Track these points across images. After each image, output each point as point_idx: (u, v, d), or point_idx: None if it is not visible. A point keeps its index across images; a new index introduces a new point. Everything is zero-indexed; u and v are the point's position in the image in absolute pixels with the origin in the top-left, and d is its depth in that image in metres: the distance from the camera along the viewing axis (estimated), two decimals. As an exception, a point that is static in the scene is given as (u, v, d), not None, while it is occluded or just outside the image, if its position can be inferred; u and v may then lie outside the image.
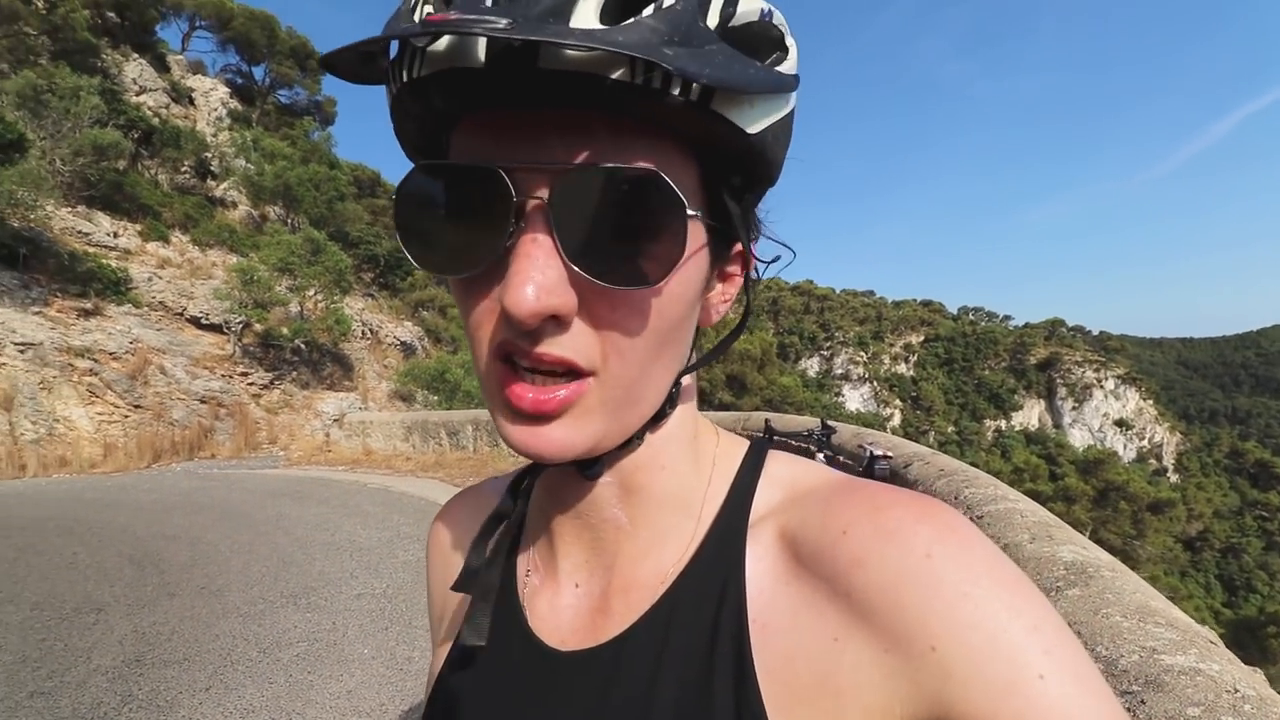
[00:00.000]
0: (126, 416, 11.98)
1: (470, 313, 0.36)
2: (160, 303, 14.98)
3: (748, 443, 0.48)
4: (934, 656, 0.32)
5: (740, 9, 0.33)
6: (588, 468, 0.41)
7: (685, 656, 0.39)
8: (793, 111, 0.37)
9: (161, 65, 25.30)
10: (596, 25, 0.29)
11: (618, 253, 0.32)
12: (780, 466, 0.45)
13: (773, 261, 0.44)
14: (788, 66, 0.35)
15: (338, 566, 5.48)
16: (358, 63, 0.34)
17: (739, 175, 0.37)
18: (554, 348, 0.33)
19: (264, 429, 14.46)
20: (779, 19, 0.35)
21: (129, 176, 17.82)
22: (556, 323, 0.33)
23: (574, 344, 0.33)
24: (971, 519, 2.24)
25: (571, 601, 0.45)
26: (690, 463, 0.44)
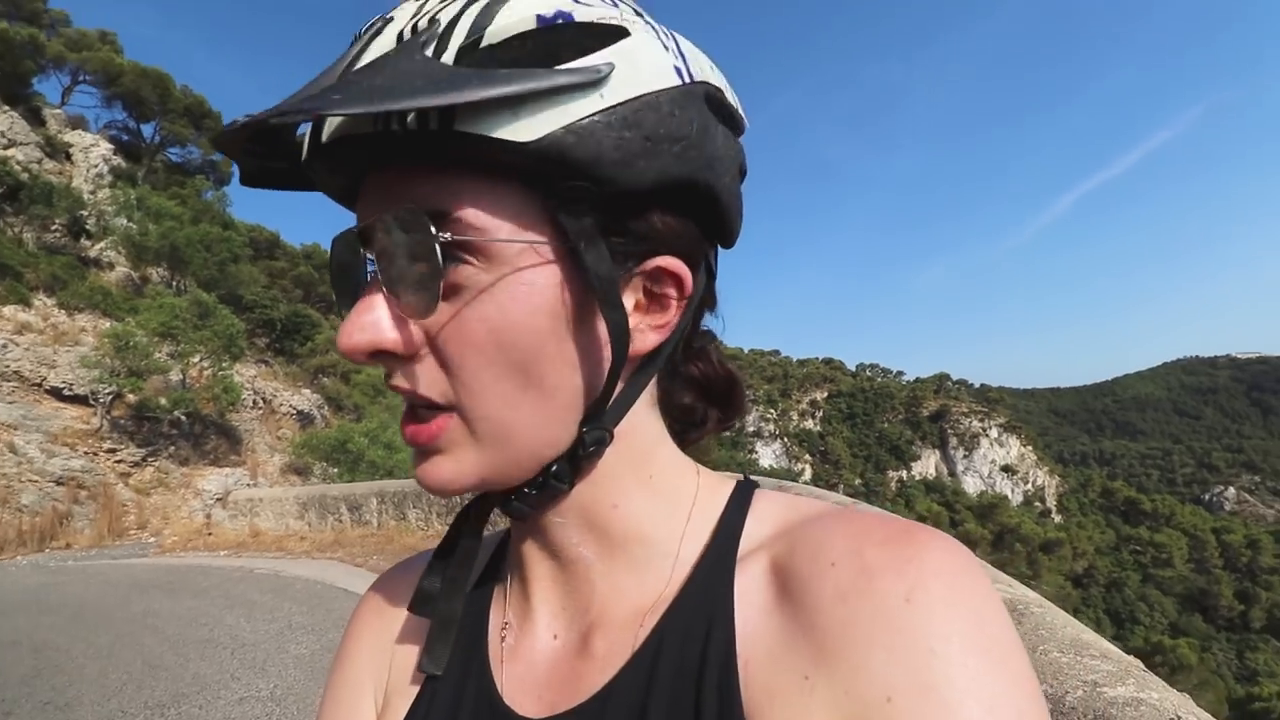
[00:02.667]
0: (-40, 504, 10.35)
1: None
2: (15, 372, 13.33)
3: (734, 481, 0.46)
4: (889, 708, 0.30)
5: (495, 27, 0.32)
6: (504, 504, 0.41)
7: (671, 699, 0.36)
8: (631, 103, 0.33)
9: (36, 118, 23.49)
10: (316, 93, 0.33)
11: (410, 288, 0.35)
12: (771, 502, 0.43)
13: (707, 292, 0.43)
14: (587, 62, 0.32)
15: (216, 667, 4.83)
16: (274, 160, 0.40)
17: (568, 190, 0.34)
18: (400, 381, 0.37)
19: (133, 512, 12.90)
20: (586, 15, 0.33)
21: (-16, 234, 16.09)
22: (396, 359, 0.36)
23: (419, 379, 0.36)
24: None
25: (549, 656, 0.43)
26: (648, 500, 0.42)
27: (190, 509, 13.51)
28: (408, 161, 0.35)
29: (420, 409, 0.37)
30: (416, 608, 0.44)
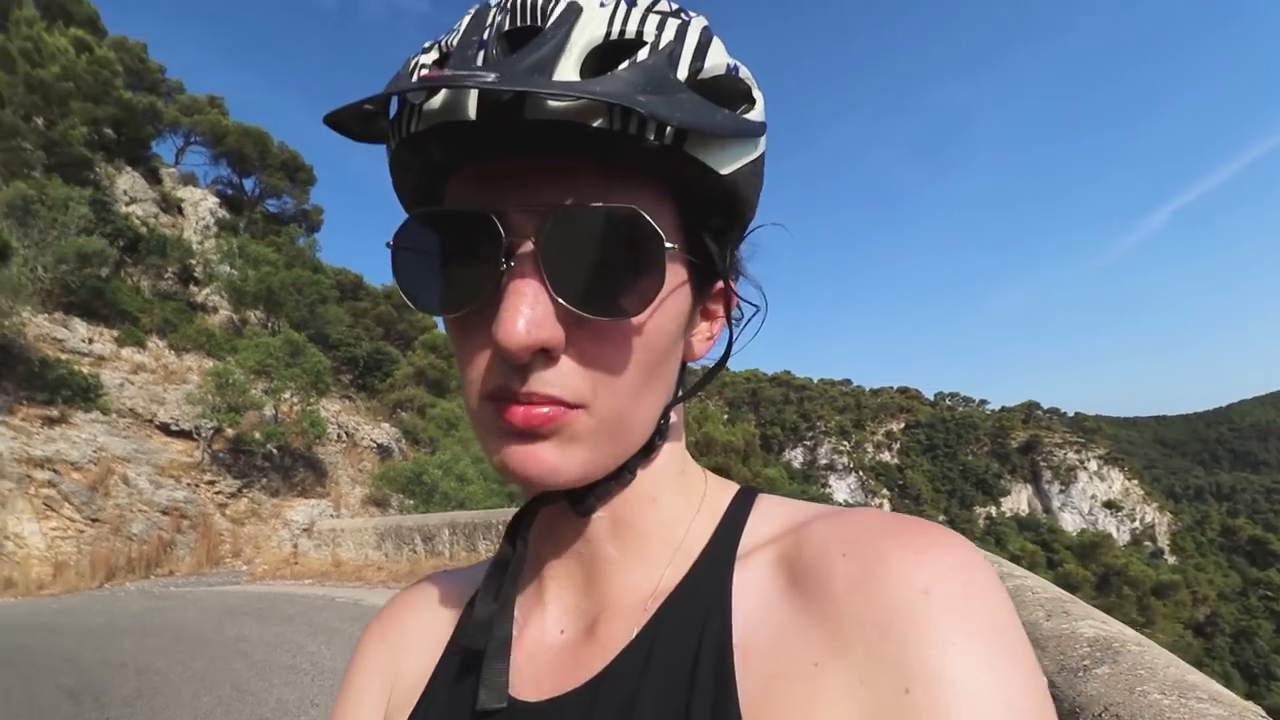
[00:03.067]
0: (82, 531, 11.30)
1: (464, 352, 0.38)
2: (130, 409, 14.58)
3: (738, 486, 0.47)
4: (907, 700, 0.30)
5: (708, 64, 0.36)
6: (580, 501, 0.41)
7: (665, 684, 0.37)
8: (763, 156, 0.39)
9: (154, 177, 26.10)
10: (576, 79, 0.33)
11: (601, 287, 0.35)
12: (775, 504, 0.44)
13: (755, 313, 0.46)
14: (755, 114, 0.38)
15: (298, 694, 4.98)
16: (359, 121, 0.37)
17: (716, 216, 0.39)
18: (542, 386, 0.35)
19: (228, 541, 13.72)
20: (745, 73, 0.38)
21: (111, 283, 17.86)
22: (546, 358, 0.35)
23: (562, 381, 0.35)
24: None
25: (553, 647, 0.43)
26: (679, 496, 0.44)
27: (279, 539, 14.24)
28: (596, 158, 0.35)
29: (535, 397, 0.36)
30: (475, 634, 0.42)
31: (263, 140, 30.56)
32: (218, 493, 14.57)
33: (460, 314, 0.37)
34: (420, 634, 0.50)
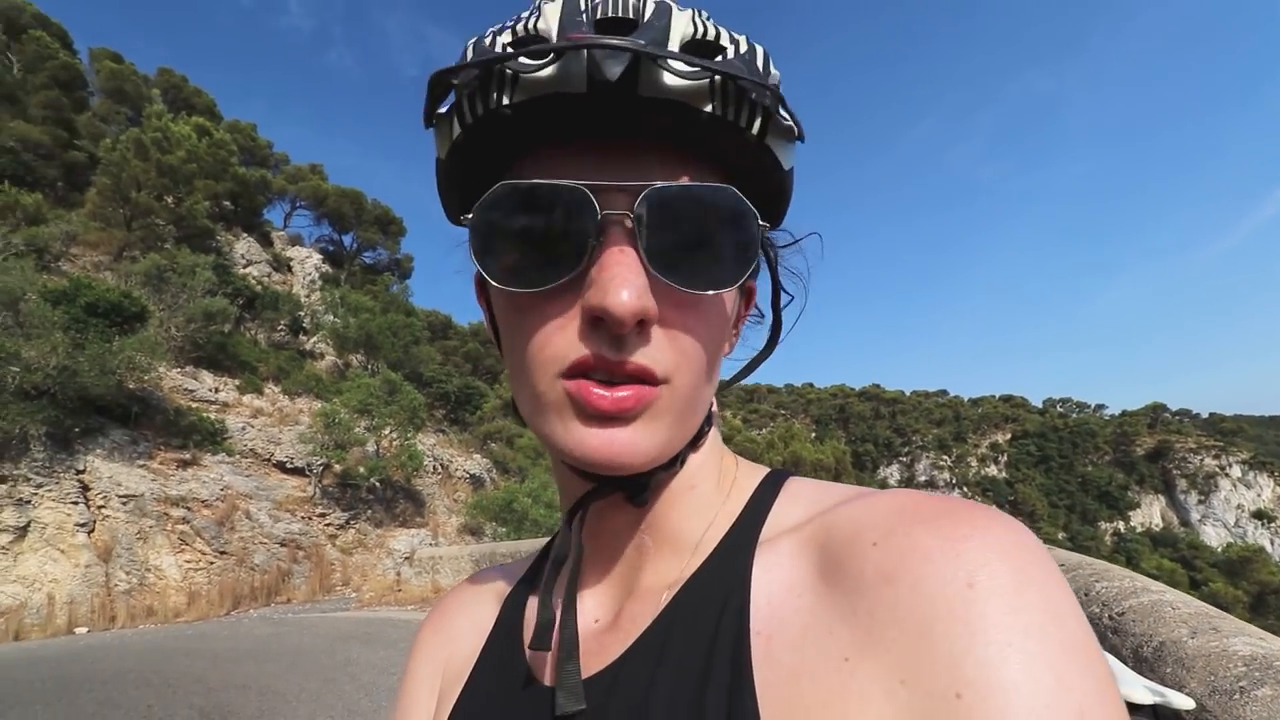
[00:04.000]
0: (212, 563, 12.33)
1: (540, 330, 0.36)
2: (251, 450, 15.89)
3: (767, 469, 0.47)
4: (959, 705, 0.27)
5: (774, 72, 0.38)
6: (638, 492, 0.41)
7: (680, 669, 0.36)
8: (794, 167, 0.42)
9: (266, 241, 28.78)
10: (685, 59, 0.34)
11: (695, 262, 0.35)
12: (803, 486, 0.44)
13: (790, 302, 0.47)
14: (797, 132, 0.40)
15: (402, 713, 5.16)
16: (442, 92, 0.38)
17: (767, 207, 0.41)
18: (639, 356, 0.35)
19: (338, 570, 14.55)
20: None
21: (232, 338, 19.71)
22: (639, 331, 0.35)
23: (654, 353, 0.35)
24: (1110, 617, 1.88)
25: (585, 634, 0.43)
26: (714, 483, 0.44)
27: (384, 567, 14.96)
28: (679, 146, 0.36)
29: (622, 380, 0.35)
30: (541, 638, 0.40)
31: (358, 199, 33.17)
32: (328, 525, 15.53)
33: (547, 288, 0.36)
34: (467, 626, 0.51)
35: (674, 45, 0.34)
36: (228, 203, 26.07)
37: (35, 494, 10.98)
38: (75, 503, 11.31)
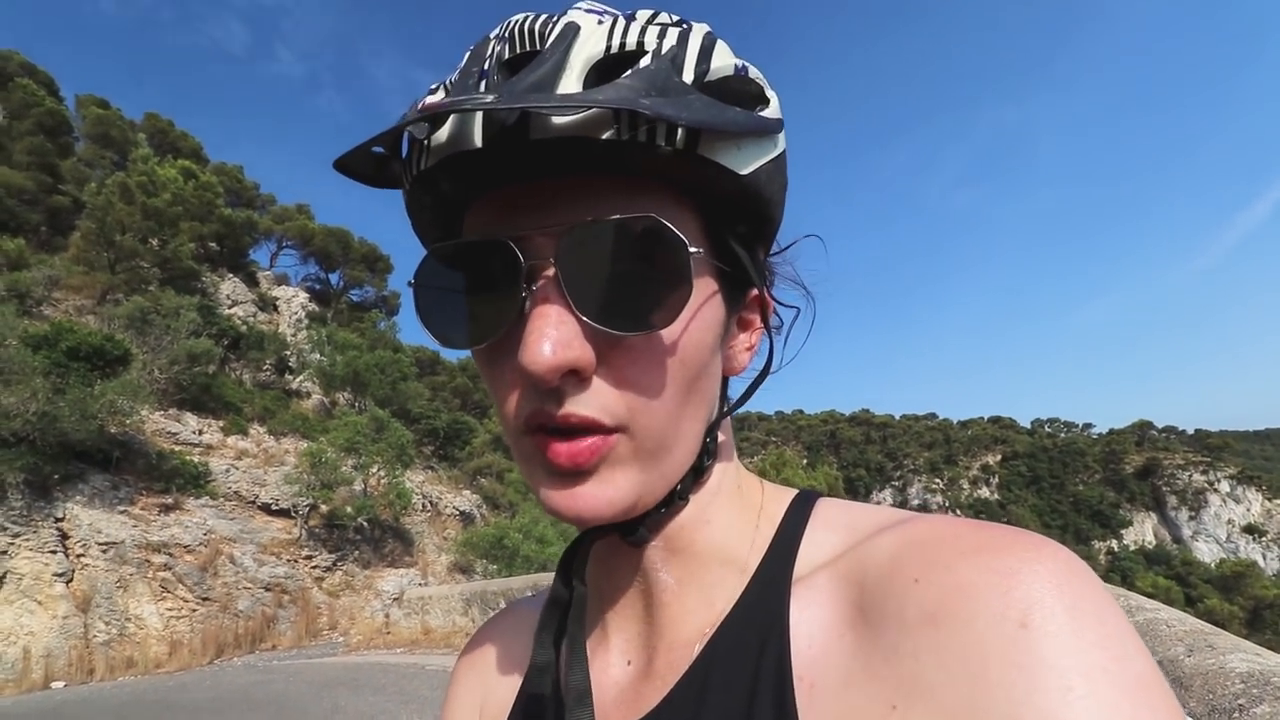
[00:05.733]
0: (194, 610, 11.98)
1: (495, 384, 0.37)
2: (235, 492, 15.59)
3: (795, 492, 0.44)
4: None
5: (714, 65, 0.34)
6: (630, 532, 0.39)
7: (723, 717, 0.35)
8: (783, 154, 0.39)
9: (252, 281, 28.72)
10: (579, 92, 0.32)
11: (627, 301, 0.33)
12: (834, 510, 0.41)
13: (797, 316, 0.44)
14: (770, 112, 0.37)
15: (392, 762, 4.98)
16: (370, 166, 0.38)
17: (741, 220, 0.38)
18: (579, 407, 0.33)
19: (325, 614, 14.19)
20: (755, 73, 0.37)
21: (217, 379, 19.49)
22: (578, 380, 0.33)
23: (598, 402, 0.34)
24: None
25: (619, 678, 0.42)
26: (735, 515, 0.42)
27: (372, 609, 14.60)
28: (610, 173, 0.34)
29: (575, 430, 0.34)
30: (535, 680, 0.41)
31: (344, 238, 33.32)
32: (314, 567, 15.19)
33: (485, 345, 0.36)
34: (503, 660, 0.50)
35: (575, 71, 0.32)
36: (213, 244, 26.06)
37: (12, 543, 10.67)
38: (53, 551, 11.01)
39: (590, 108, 0.30)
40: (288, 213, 34.15)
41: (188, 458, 15.03)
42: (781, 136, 0.38)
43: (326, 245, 32.88)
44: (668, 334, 0.34)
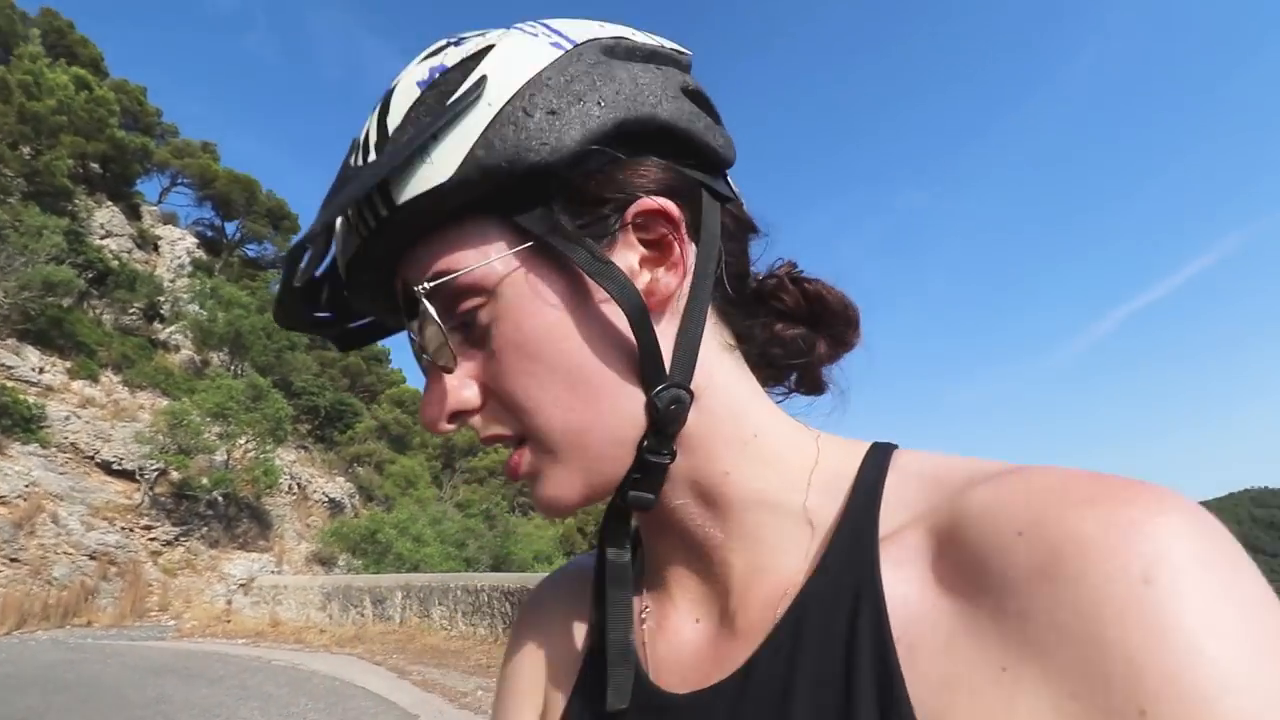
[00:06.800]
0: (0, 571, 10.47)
1: None
2: (71, 444, 13.87)
3: (868, 443, 0.41)
4: None
5: (391, 123, 0.36)
6: (626, 499, 0.39)
7: (818, 684, 0.33)
8: (507, 104, 0.34)
9: (134, 213, 25.90)
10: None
11: (437, 349, 0.37)
12: (916, 461, 0.38)
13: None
14: (466, 82, 0.35)
15: (225, 762, 4.57)
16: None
17: (517, 192, 0.35)
18: (486, 431, 0.39)
19: (156, 592, 12.82)
20: (456, 55, 0.37)
21: (72, 314, 17.33)
22: (474, 414, 0.38)
23: (489, 423, 0.38)
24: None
25: (692, 638, 0.41)
26: (759, 464, 0.39)
27: (213, 593, 13.35)
28: (402, 247, 0.38)
29: (512, 447, 0.39)
30: (593, 640, 0.43)
31: (251, 187, 30.81)
32: (153, 539, 13.72)
33: None
34: (565, 620, 0.49)
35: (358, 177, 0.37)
36: (96, 166, 23.34)
37: None
38: None
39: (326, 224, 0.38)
40: (190, 148, 31.15)
41: (21, 396, 13.23)
42: (493, 94, 0.34)
43: (228, 191, 30.21)
44: (504, 348, 0.36)
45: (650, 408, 0.36)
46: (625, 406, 0.37)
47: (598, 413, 0.37)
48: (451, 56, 0.36)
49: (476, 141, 0.34)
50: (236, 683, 6.88)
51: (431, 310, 0.36)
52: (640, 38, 0.40)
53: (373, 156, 0.36)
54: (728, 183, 0.42)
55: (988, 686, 0.28)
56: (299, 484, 20.32)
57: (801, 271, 0.45)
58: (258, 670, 7.59)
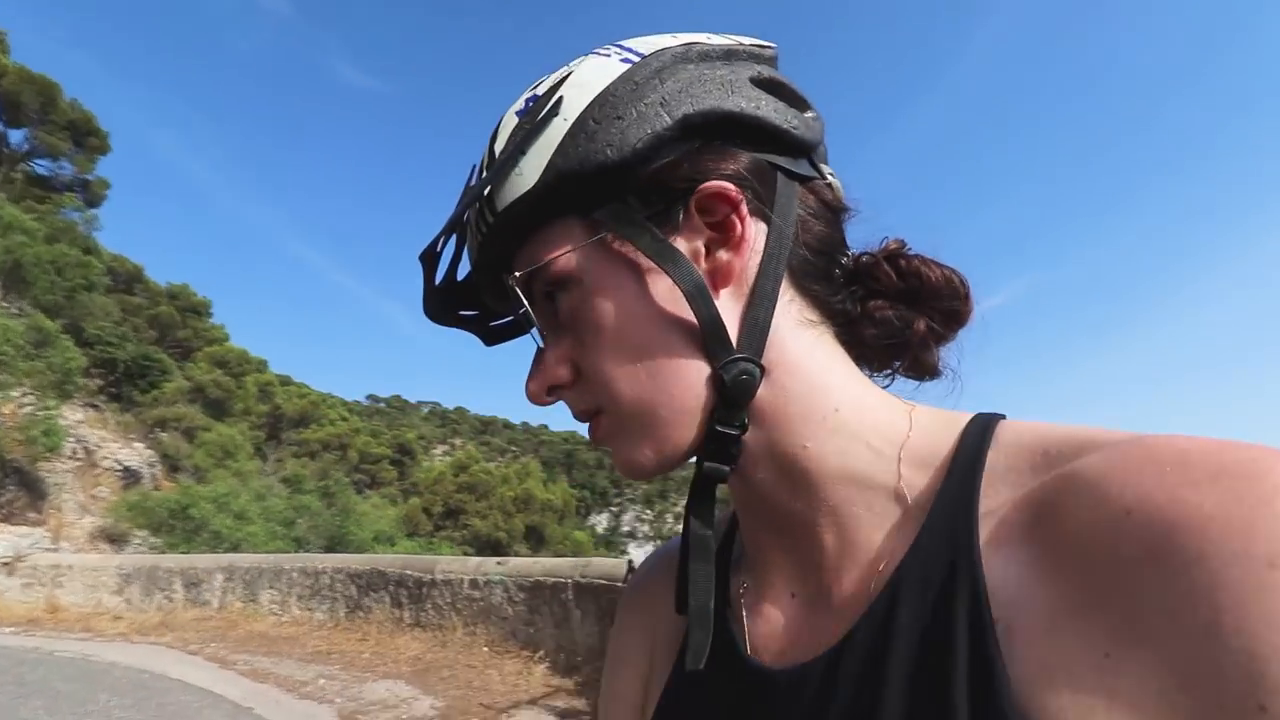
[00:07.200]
0: None
1: None
2: None
3: (966, 416, 0.40)
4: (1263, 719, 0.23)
5: (499, 140, 0.42)
6: (704, 470, 0.41)
7: (912, 664, 0.33)
8: (580, 116, 0.39)
9: None
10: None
11: (538, 331, 0.45)
12: (1021, 432, 0.37)
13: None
14: (545, 113, 0.40)
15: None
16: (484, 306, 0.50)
17: (592, 194, 0.40)
18: (575, 404, 0.43)
19: (-115, 570, 10.50)
20: (543, 86, 0.42)
21: None
22: (571, 385, 0.43)
23: (575, 398, 0.43)
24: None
25: (790, 612, 0.42)
26: (841, 437, 0.39)
27: (-34, 572, 11.19)
28: (512, 249, 0.43)
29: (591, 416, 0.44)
30: (678, 607, 0.44)
31: (50, 90, 25.65)
32: (-117, 507, 11.20)
33: None
34: (666, 594, 0.49)
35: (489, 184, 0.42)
36: None
37: None
38: None
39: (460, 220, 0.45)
40: (-39, 30, 25.28)
41: None
42: (568, 110, 0.39)
43: (18, 91, 24.80)
44: (586, 330, 0.41)
45: (717, 380, 0.39)
46: (689, 379, 0.39)
47: (663, 385, 0.39)
48: (542, 87, 0.42)
49: (555, 151, 0.39)
50: (12, 678, 5.90)
51: (524, 298, 0.42)
52: (715, 40, 0.43)
53: (485, 176, 0.42)
54: (812, 164, 0.43)
55: (1088, 673, 0.27)
56: (86, 448, 17.53)
57: (907, 249, 0.45)
58: (39, 663, 6.54)
